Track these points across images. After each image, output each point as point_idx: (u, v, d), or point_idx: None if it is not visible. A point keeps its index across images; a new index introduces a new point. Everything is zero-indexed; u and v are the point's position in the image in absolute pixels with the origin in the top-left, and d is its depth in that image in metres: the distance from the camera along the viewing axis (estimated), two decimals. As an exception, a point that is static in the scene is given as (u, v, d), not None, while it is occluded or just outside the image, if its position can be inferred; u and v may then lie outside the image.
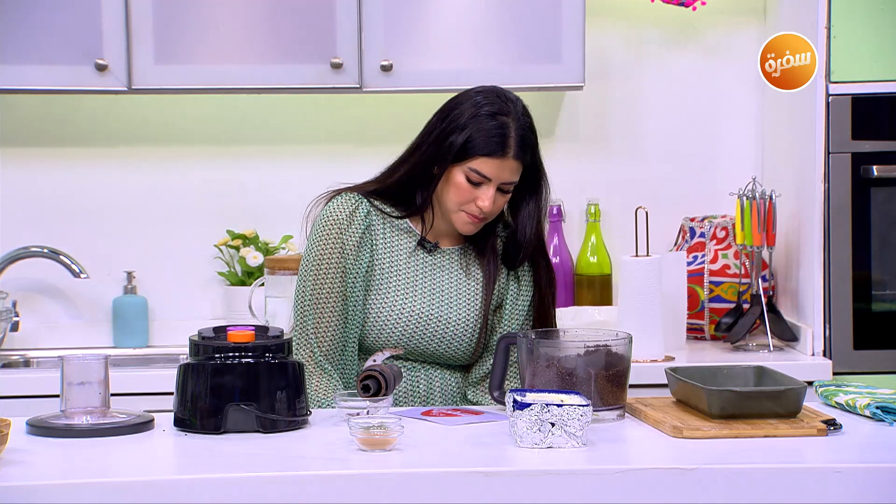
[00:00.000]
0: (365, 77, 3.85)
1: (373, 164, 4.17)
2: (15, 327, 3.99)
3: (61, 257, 4.02)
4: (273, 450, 2.51)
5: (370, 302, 2.96)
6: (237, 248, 4.09)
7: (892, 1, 3.67)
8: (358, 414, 2.68)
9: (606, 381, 2.73)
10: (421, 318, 2.96)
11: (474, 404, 2.98)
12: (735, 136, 4.21)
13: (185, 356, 2.70)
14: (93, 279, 4.06)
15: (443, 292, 2.99)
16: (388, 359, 2.87)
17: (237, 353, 2.63)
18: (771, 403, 2.66)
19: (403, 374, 2.92)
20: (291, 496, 2.32)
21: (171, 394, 2.67)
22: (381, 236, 3.00)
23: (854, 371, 3.69)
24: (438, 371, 2.99)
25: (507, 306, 3.03)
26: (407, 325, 2.95)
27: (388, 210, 3.00)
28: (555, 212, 4.13)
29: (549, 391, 2.61)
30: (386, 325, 2.95)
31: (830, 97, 3.70)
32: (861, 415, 2.73)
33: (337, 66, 3.84)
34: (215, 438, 2.58)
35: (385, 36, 3.84)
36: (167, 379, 2.85)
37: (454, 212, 2.96)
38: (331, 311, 2.93)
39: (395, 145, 4.17)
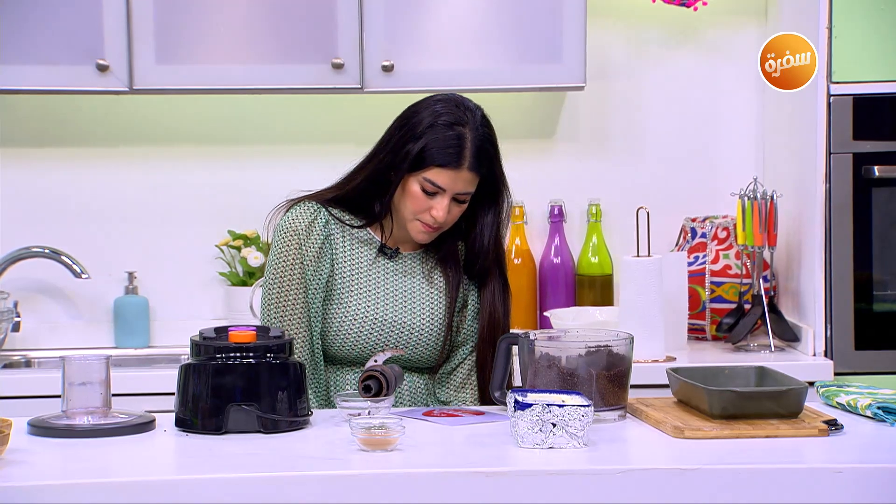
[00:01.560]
0: (366, 77, 3.85)
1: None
2: (16, 328, 4.00)
3: (62, 258, 4.02)
4: (274, 450, 2.51)
5: (332, 311, 2.96)
6: (238, 249, 4.09)
7: (893, 1, 3.67)
8: (359, 414, 2.68)
9: (607, 381, 2.73)
10: (384, 324, 2.96)
11: (446, 404, 2.99)
12: (736, 137, 4.21)
13: (186, 356, 2.70)
14: (94, 279, 4.06)
15: (405, 298, 3.00)
16: (388, 359, 2.87)
17: (238, 354, 2.63)
18: (772, 404, 2.66)
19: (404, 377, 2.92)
20: (293, 496, 2.32)
21: (173, 394, 2.67)
22: (341, 245, 3.00)
23: (855, 371, 3.69)
24: (406, 375, 2.99)
25: (471, 305, 3.03)
26: (371, 332, 2.96)
27: (347, 219, 3.01)
28: (556, 212, 4.13)
29: (551, 391, 2.61)
30: (349, 333, 2.95)
31: (832, 97, 3.70)
32: (862, 415, 2.73)
33: (338, 67, 3.84)
34: (216, 439, 2.58)
35: (386, 36, 3.84)
36: (168, 379, 2.85)
37: (409, 220, 2.96)
38: (297, 323, 2.94)
39: (396, 145, 4.19)
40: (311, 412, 2.69)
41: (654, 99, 4.20)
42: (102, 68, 3.81)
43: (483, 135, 2.94)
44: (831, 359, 3.73)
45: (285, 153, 4.17)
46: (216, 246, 4.13)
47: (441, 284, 3.03)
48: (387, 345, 2.97)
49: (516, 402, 2.51)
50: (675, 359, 3.73)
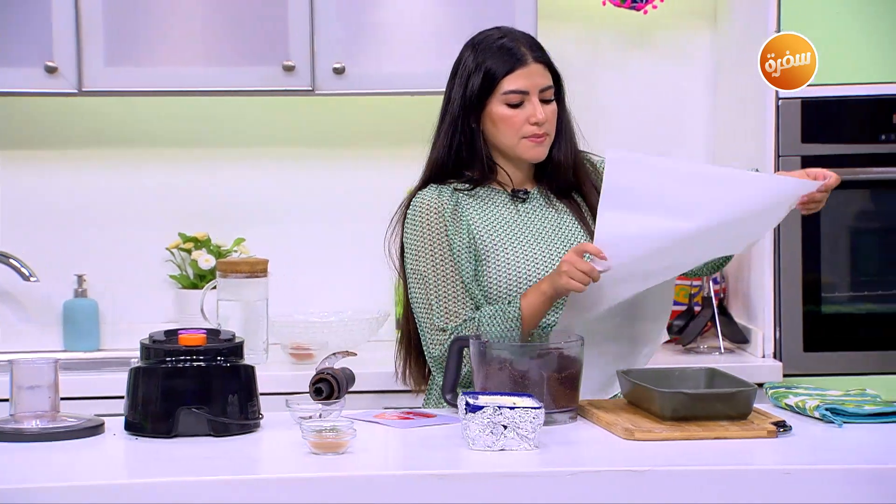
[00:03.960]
0: (317, 79, 3.85)
1: (326, 166, 4.19)
2: (-36, 331, 3.97)
3: (11, 260, 3.98)
4: (225, 453, 2.50)
5: (488, 273, 2.96)
6: (189, 251, 4.07)
7: (841, 5, 3.70)
8: (310, 417, 2.67)
9: (559, 383, 2.73)
10: (540, 264, 2.96)
11: None
12: (689, 139, 4.23)
13: (136, 360, 2.69)
14: (43, 282, 4.03)
15: (553, 232, 3.00)
16: (340, 360, 2.87)
17: (188, 357, 2.62)
18: (722, 405, 2.67)
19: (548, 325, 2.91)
20: (243, 499, 2.31)
21: (122, 398, 2.65)
22: (473, 209, 3.01)
23: (804, 373, 3.71)
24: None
25: None
26: (531, 277, 2.94)
27: (466, 187, 3.02)
28: (508, 215, 4.14)
29: (502, 394, 2.61)
30: (511, 286, 2.94)
31: (780, 100, 3.72)
32: (811, 416, 2.75)
33: (289, 69, 3.83)
34: (166, 442, 2.57)
35: (337, 38, 3.83)
36: (118, 383, 2.83)
37: (516, 144, 2.98)
38: (456, 291, 2.94)
39: (347, 147, 4.19)
40: (262, 415, 2.69)
41: (607, 102, 4.21)
42: (51, 70, 3.78)
43: (525, 33, 3.03)
44: (780, 360, 3.76)
45: (236, 155, 4.15)
46: (167, 249, 4.11)
47: (565, 211, 3.03)
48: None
49: (467, 404, 2.52)
50: (626, 361, 3.73)
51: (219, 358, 2.63)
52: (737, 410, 2.67)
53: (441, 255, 2.96)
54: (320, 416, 2.68)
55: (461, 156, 3.01)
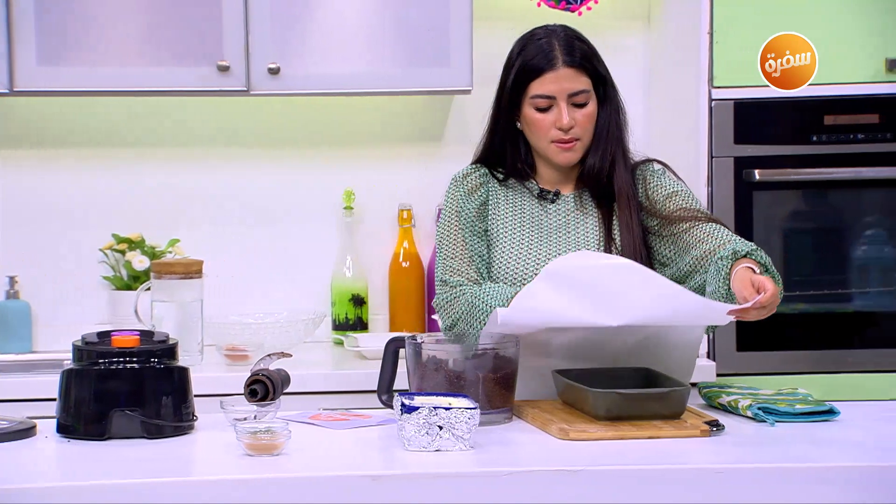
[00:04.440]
0: (252, 80, 3.83)
1: (261, 166, 4.17)
2: None
3: (-58, 262, 3.94)
4: (159, 455, 2.49)
5: (497, 261, 2.98)
6: (123, 252, 4.04)
7: (772, 7, 3.73)
8: (245, 419, 2.66)
9: (494, 383, 2.74)
10: (535, 263, 2.97)
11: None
12: (622, 141, 4.25)
13: (68, 361, 2.67)
14: (-26, 284, 3.99)
15: (566, 238, 3.00)
16: (276, 362, 2.86)
17: (122, 358, 2.60)
18: (656, 405, 2.69)
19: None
20: (177, 501, 2.30)
21: (55, 400, 2.63)
22: (503, 198, 3.03)
23: (737, 372, 3.74)
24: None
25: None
26: (525, 273, 2.96)
27: (502, 177, 3.04)
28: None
29: (438, 394, 2.62)
30: (514, 279, 2.96)
31: (713, 102, 3.75)
32: (743, 416, 2.77)
33: (224, 69, 3.81)
34: (99, 444, 2.55)
35: (272, 39, 3.82)
36: (51, 385, 2.81)
37: (546, 148, 2.98)
38: (461, 263, 2.97)
39: (283, 148, 4.18)
40: (196, 417, 2.67)
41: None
42: (-18, 69, 3.75)
43: (570, 34, 3.00)
44: (714, 360, 3.78)
45: (170, 156, 4.13)
46: (100, 250, 4.08)
47: (595, 216, 3.02)
48: None
49: (403, 405, 2.52)
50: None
51: (152, 359, 2.62)
52: (670, 410, 2.69)
53: (456, 220, 3.01)
54: (255, 417, 2.67)
55: (500, 147, 3.04)
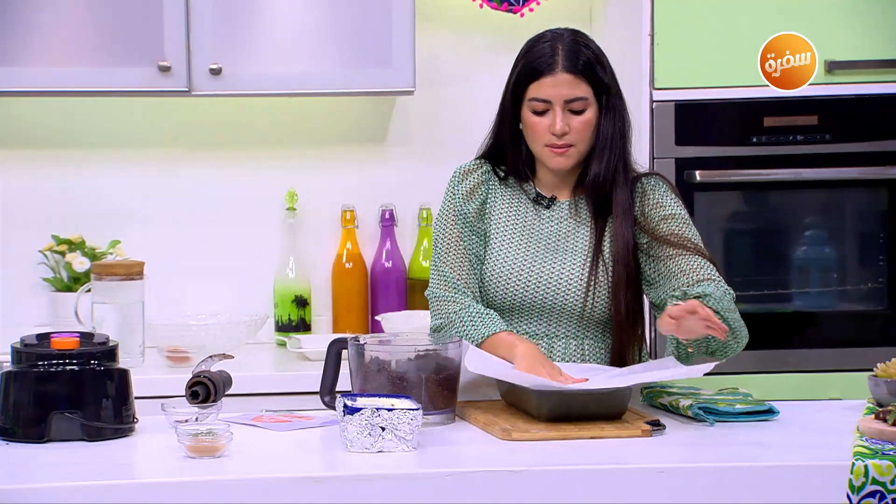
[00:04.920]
0: (194, 80, 3.82)
1: (203, 167, 4.15)
2: None
3: None
4: (99, 458, 2.48)
5: (489, 262, 2.98)
6: (63, 254, 4.02)
7: (713, 10, 3.76)
8: (186, 421, 2.65)
9: (437, 385, 2.74)
10: (532, 273, 2.96)
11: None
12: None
13: (7, 364, 2.65)
14: (-88, 286, 3.95)
15: (557, 245, 2.98)
16: (218, 363, 2.85)
17: (61, 361, 2.59)
18: (597, 405, 2.70)
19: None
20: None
21: (-7, 403, 2.61)
22: (501, 198, 3.02)
23: (679, 373, 3.76)
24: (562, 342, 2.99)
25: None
26: (519, 281, 2.96)
27: (503, 175, 3.04)
28: (387, 216, 4.14)
29: (380, 395, 2.62)
30: (500, 283, 2.96)
31: (654, 103, 3.77)
32: (684, 415, 2.79)
33: (165, 70, 3.79)
34: (39, 447, 2.54)
35: (214, 39, 3.80)
36: (-11, 387, 2.79)
37: (540, 151, 2.97)
38: (453, 262, 2.97)
39: (225, 149, 4.16)
40: (137, 419, 2.66)
41: (484, 104, 4.18)
42: (-80, 69, 3.71)
43: (576, 39, 2.97)
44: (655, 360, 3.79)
45: (112, 157, 4.10)
46: (40, 251, 4.05)
47: (588, 226, 3.00)
48: (535, 297, 2.96)
49: (345, 406, 2.51)
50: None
51: (92, 361, 2.60)
52: (612, 410, 2.70)
53: (454, 218, 3.02)
54: (196, 419, 2.66)
55: (503, 146, 3.03)
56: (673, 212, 2.99)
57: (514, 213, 3.03)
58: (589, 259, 2.96)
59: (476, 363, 2.79)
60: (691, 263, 2.91)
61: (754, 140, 3.79)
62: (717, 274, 2.92)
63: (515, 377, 2.73)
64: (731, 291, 2.90)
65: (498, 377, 2.80)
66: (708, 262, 2.93)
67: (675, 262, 2.92)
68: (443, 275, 3.00)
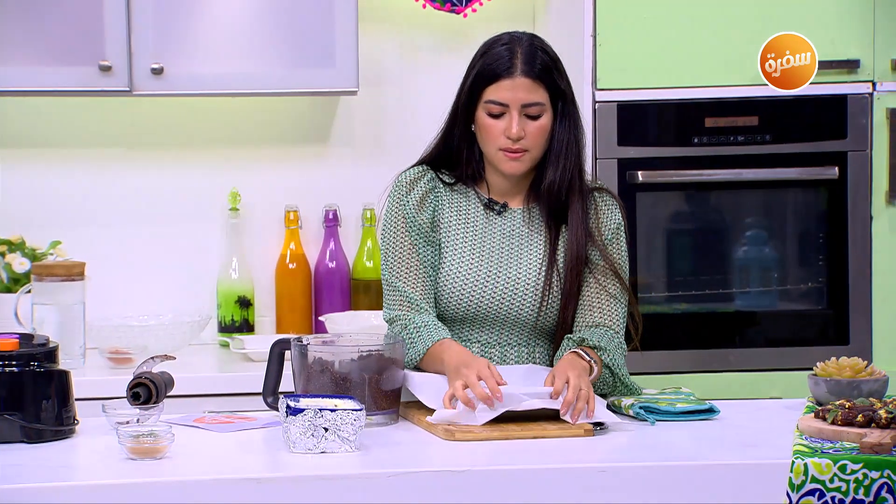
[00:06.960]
0: (135, 80, 3.79)
1: (144, 167, 4.13)
2: None
3: None
4: (39, 460, 2.46)
5: (442, 269, 2.97)
6: (3, 254, 3.98)
7: (655, 11, 3.78)
8: (127, 422, 2.64)
9: (380, 385, 2.74)
10: (488, 280, 2.94)
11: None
12: (507, 142, 4.27)
13: (-54, 366, 2.62)
14: None
15: (509, 252, 2.97)
16: (160, 364, 2.83)
17: (0, 362, 2.56)
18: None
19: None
20: (57, 507, 2.27)
21: (-69, 405, 2.59)
22: (448, 204, 3.00)
23: (621, 372, 3.77)
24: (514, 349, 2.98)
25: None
26: (474, 289, 2.94)
27: (451, 180, 3.01)
28: (331, 217, 4.13)
29: (324, 396, 2.61)
30: (454, 290, 2.95)
31: (597, 104, 3.78)
32: (626, 415, 2.80)
33: (106, 69, 3.77)
34: (-22, 450, 2.52)
35: (155, 39, 3.78)
36: (-73, 390, 2.76)
37: (494, 156, 2.94)
38: (406, 274, 2.95)
39: (167, 149, 4.14)
40: (78, 421, 2.64)
41: (427, 104, 4.22)
42: None
43: (535, 44, 2.96)
44: (599, 360, 3.81)
45: (52, 157, 4.07)
46: (-21, 252, 4.01)
47: (542, 234, 2.98)
48: (490, 306, 2.94)
49: (288, 406, 2.51)
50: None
51: (32, 363, 2.58)
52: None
53: (404, 226, 2.99)
54: (138, 420, 2.65)
55: (455, 149, 3.01)
56: (617, 237, 3.01)
57: (464, 220, 3.01)
58: (544, 268, 2.96)
59: (414, 388, 2.82)
60: (604, 303, 2.95)
61: (696, 141, 3.81)
62: (621, 322, 2.96)
63: (431, 417, 2.71)
64: (624, 345, 2.96)
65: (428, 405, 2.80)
66: (621, 311, 2.96)
67: (594, 293, 2.96)
68: (398, 292, 2.98)
